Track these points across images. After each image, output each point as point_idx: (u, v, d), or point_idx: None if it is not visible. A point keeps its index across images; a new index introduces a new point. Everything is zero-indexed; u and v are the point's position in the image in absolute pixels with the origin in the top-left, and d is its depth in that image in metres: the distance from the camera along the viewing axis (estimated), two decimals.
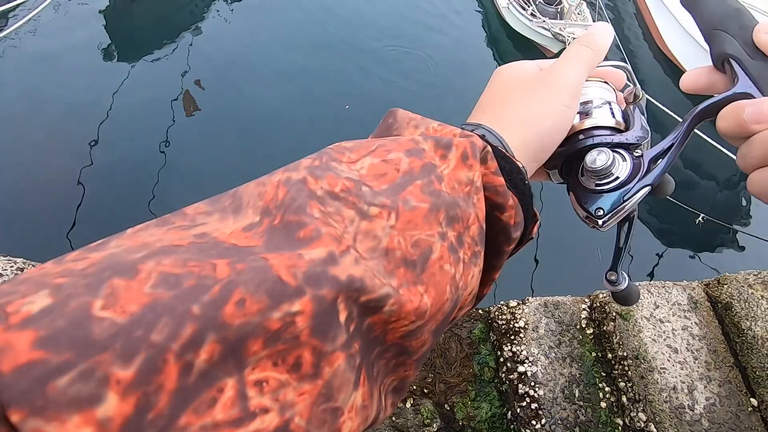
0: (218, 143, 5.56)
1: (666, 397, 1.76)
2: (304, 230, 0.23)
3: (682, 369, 1.84)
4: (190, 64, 6.52)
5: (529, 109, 0.37)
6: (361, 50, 7.38)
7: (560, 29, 7.12)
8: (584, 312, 2.18)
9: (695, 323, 2.00)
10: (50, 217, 4.53)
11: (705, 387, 1.80)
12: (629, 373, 1.88)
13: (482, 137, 0.33)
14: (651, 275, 5.00)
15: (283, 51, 7.01)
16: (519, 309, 2.16)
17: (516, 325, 2.09)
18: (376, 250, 0.25)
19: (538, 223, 0.38)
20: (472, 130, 0.35)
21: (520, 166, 0.34)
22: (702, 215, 5.26)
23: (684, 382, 1.79)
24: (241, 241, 0.23)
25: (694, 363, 1.87)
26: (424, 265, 0.27)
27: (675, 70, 8.31)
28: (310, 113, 6.07)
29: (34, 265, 1.88)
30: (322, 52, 7.09)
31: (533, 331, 2.07)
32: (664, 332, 1.95)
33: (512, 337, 2.06)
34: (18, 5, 5.21)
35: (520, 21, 7.59)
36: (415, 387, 1.97)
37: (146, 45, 6.71)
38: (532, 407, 1.90)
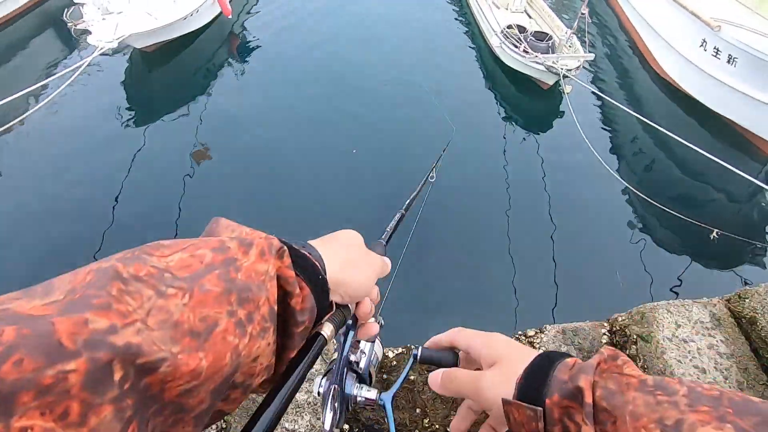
0: (234, 192, 5.70)
1: None
2: (97, 300, 0.28)
3: None
4: (206, 121, 6.83)
5: (352, 258, 0.50)
6: (365, 96, 7.65)
7: (553, 62, 7.34)
8: (605, 337, 2.12)
9: (721, 341, 1.94)
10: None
11: None
12: None
13: (302, 247, 0.44)
14: (669, 294, 4.89)
15: (292, 104, 7.30)
16: (537, 338, 2.12)
17: None
18: (166, 323, 0.31)
19: (333, 311, 0.47)
20: (302, 246, 0.45)
21: (319, 266, 0.44)
22: (716, 230, 5.19)
23: None
24: (38, 311, 0.27)
25: (725, 383, 1.80)
26: (208, 336, 0.33)
27: (670, 88, 8.46)
28: (320, 160, 6.25)
29: None
30: (328, 102, 7.37)
31: None
32: (689, 352, 1.89)
33: None
34: (44, 84, 5.62)
35: (513, 58, 7.86)
36: (437, 426, 1.90)
37: (164, 108, 7.09)
38: None
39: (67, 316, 0.27)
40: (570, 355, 0.48)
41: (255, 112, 7.14)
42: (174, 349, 0.31)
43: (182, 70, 8.11)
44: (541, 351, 0.50)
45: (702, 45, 7.56)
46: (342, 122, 6.87)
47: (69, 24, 6.89)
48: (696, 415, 0.36)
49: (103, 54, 6.55)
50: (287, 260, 0.40)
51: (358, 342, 0.59)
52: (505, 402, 0.47)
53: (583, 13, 7.58)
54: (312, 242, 0.48)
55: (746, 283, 4.90)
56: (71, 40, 8.36)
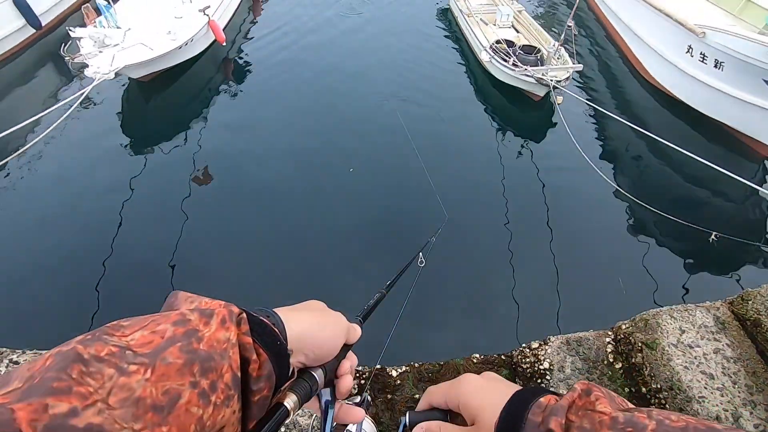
0: (233, 216, 5.71)
1: None
2: (57, 384, 0.29)
3: (722, 396, 1.74)
4: (204, 148, 6.89)
5: (315, 317, 0.53)
6: (358, 115, 7.76)
7: (543, 74, 7.46)
8: (609, 346, 2.10)
9: (726, 345, 1.92)
10: (74, 298, 4.60)
11: (751, 413, 1.70)
12: (667, 406, 1.78)
13: (267, 316, 0.46)
14: (671, 299, 4.86)
15: (288, 127, 7.36)
16: (542, 350, 2.10)
17: (541, 367, 2.01)
18: (128, 400, 0.32)
19: (293, 379, 0.48)
20: (261, 312, 0.46)
21: (278, 332, 0.45)
22: (714, 233, 5.19)
23: (727, 410, 1.69)
24: None
25: (734, 388, 1.78)
26: (171, 408, 0.34)
27: (661, 95, 8.58)
28: (319, 179, 6.29)
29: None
30: (325, 122, 7.43)
31: (559, 371, 1.99)
32: (695, 358, 1.87)
33: (539, 381, 1.98)
34: (43, 116, 5.70)
35: (503, 72, 7.98)
36: None
37: (162, 136, 7.13)
38: None
39: (26, 402, 0.28)
40: (546, 392, 0.48)
41: (249, 140, 7.20)
42: (136, 425, 0.31)
43: (179, 98, 8.22)
44: (516, 389, 0.51)
45: (688, 51, 7.70)
46: (335, 154, 6.87)
47: (66, 58, 7.01)
48: None
49: (100, 85, 6.64)
50: (245, 327, 0.41)
51: (345, 426, 0.58)
52: None
53: (569, 26, 7.74)
54: (276, 309, 0.49)
55: (748, 285, 4.88)
56: (69, 74, 8.50)
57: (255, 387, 0.41)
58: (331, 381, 0.55)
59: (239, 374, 0.39)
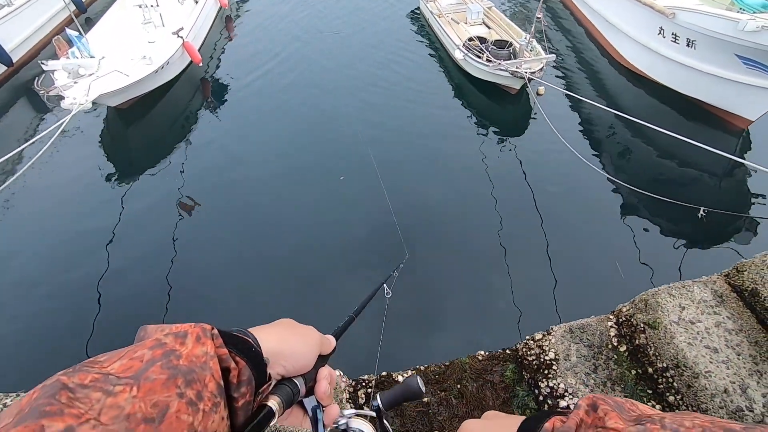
0: (223, 235, 5.66)
1: (720, 402, 1.65)
2: (49, 407, 0.31)
3: (728, 368, 1.75)
4: (188, 169, 6.83)
5: (287, 331, 0.55)
6: (346, 123, 7.75)
7: (517, 67, 7.53)
8: (612, 330, 2.10)
9: (727, 317, 1.93)
10: (68, 330, 4.50)
11: (758, 382, 1.70)
12: (675, 384, 1.78)
13: (238, 331, 0.48)
14: (668, 277, 4.90)
15: (274, 141, 7.35)
16: (545, 340, 2.09)
17: (546, 358, 2.01)
18: (119, 417, 0.33)
19: (271, 383, 0.50)
20: (238, 331, 0.49)
21: (250, 341, 0.48)
22: (703, 208, 5.26)
23: (734, 382, 1.70)
24: None
25: (739, 359, 1.78)
26: (162, 418, 0.35)
27: (638, 77, 8.71)
28: (309, 192, 6.26)
29: None
30: (310, 135, 7.43)
31: (565, 360, 1.98)
32: (698, 333, 1.87)
33: (546, 372, 1.97)
34: (22, 150, 5.61)
35: (478, 68, 8.06)
36: None
37: (145, 162, 7.06)
38: None
39: (22, 426, 0.29)
40: (551, 415, 0.48)
41: (233, 156, 7.16)
42: None
43: (159, 123, 8.15)
44: (520, 420, 0.51)
45: (660, 32, 7.83)
46: (316, 165, 6.86)
47: (41, 92, 6.92)
48: None
49: (77, 115, 6.55)
50: (218, 340, 0.44)
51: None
52: None
53: (538, 17, 7.84)
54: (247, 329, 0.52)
55: (741, 257, 4.94)
56: (45, 107, 8.39)
57: (237, 393, 0.44)
58: (312, 389, 0.57)
59: (222, 383, 0.42)
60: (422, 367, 2.13)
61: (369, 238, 5.52)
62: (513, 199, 6.11)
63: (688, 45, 7.37)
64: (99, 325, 4.67)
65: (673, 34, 7.57)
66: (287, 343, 0.53)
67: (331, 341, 0.62)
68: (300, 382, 0.54)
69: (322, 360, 0.59)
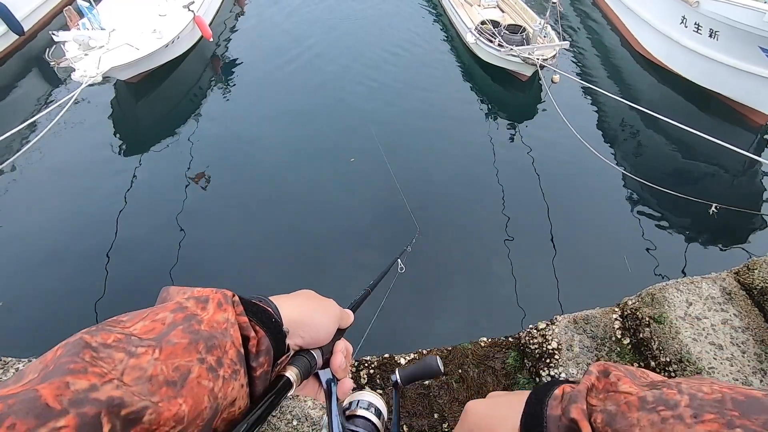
0: (234, 210, 5.69)
1: None
2: (73, 365, 0.31)
3: (731, 366, 1.74)
4: (197, 145, 6.82)
5: (308, 302, 0.55)
6: (356, 104, 7.68)
7: (529, 54, 7.35)
8: (617, 322, 2.10)
9: (734, 315, 1.92)
10: (80, 296, 4.60)
11: (761, 381, 1.70)
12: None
13: (259, 300, 0.48)
14: (676, 273, 4.86)
15: (284, 119, 7.30)
16: (549, 330, 2.09)
17: (549, 347, 2.01)
18: (141, 378, 0.34)
19: (290, 354, 0.49)
20: (259, 299, 0.49)
21: (271, 310, 0.48)
22: (714, 205, 5.18)
23: (737, 380, 1.69)
24: (17, 390, 0.30)
25: (743, 357, 1.77)
26: (184, 382, 0.36)
27: (655, 67, 8.51)
28: (319, 170, 6.26)
29: None
30: (321, 114, 7.37)
31: (568, 350, 1.99)
32: (703, 330, 1.86)
33: (548, 361, 1.97)
34: (33, 122, 5.63)
35: (489, 53, 7.89)
36: None
37: (154, 137, 7.05)
38: None
39: (48, 382, 0.29)
40: (558, 382, 0.47)
41: (242, 133, 7.14)
42: (153, 399, 0.33)
43: (168, 98, 8.12)
44: (527, 394, 0.49)
45: (682, 22, 7.60)
46: (338, 137, 6.86)
47: (52, 63, 6.90)
48: (703, 426, 0.35)
49: (88, 89, 6.54)
50: (239, 308, 0.44)
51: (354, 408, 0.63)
52: None
53: (554, 2, 7.63)
54: (269, 297, 0.52)
55: (752, 255, 4.88)
56: (56, 79, 8.38)
57: (255, 363, 0.43)
58: (329, 362, 0.57)
59: (242, 350, 0.42)
60: (424, 351, 2.15)
61: (380, 217, 5.54)
62: (519, 187, 6.06)
63: (710, 35, 7.16)
64: (108, 294, 4.75)
65: (695, 23, 7.35)
66: (308, 315, 0.53)
67: (349, 315, 0.62)
68: (317, 354, 0.54)
69: (339, 333, 0.59)
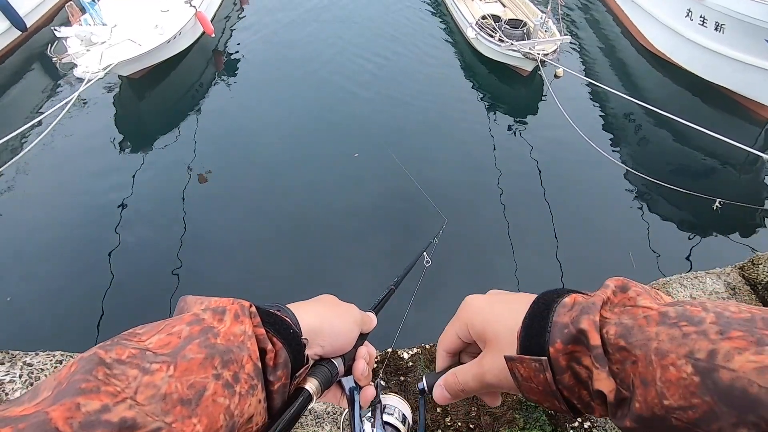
0: (234, 211, 5.68)
1: None
2: (86, 384, 0.30)
3: None
4: (200, 140, 6.83)
5: (328, 309, 0.53)
6: (358, 100, 7.66)
7: (530, 48, 7.31)
8: None
9: None
10: (83, 303, 4.63)
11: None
12: None
13: (277, 309, 0.47)
14: (680, 268, 4.84)
15: (287, 114, 7.29)
16: None
17: None
18: (155, 396, 0.33)
19: (309, 365, 0.48)
20: (271, 306, 0.47)
21: (289, 321, 0.46)
22: (718, 200, 5.15)
23: None
24: (29, 411, 0.29)
25: None
26: (199, 401, 0.35)
27: (659, 61, 8.44)
28: (323, 164, 6.25)
29: (72, 356, 1.89)
30: (323, 109, 7.36)
31: None
32: None
33: None
34: (37, 120, 5.64)
35: (490, 48, 7.84)
36: (460, 424, 1.88)
37: (157, 132, 7.05)
38: (585, 426, 1.79)
39: (59, 404, 0.29)
40: (569, 291, 0.43)
41: (246, 127, 7.14)
42: (167, 419, 0.32)
43: (171, 93, 8.12)
44: (533, 297, 0.46)
45: (688, 15, 7.53)
46: (341, 132, 6.84)
47: (54, 59, 6.90)
48: (730, 343, 0.31)
49: (90, 85, 6.54)
50: (256, 319, 0.43)
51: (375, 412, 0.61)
52: (508, 359, 0.43)
53: None
54: (288, 305, 0.50)
55: (756, 250, 4.85)
56: (58, 75, 8.39)
57: (272, 377, 0.42)
58: (351, 369, 0.55)
59: (260, 364, 0.40)
60: (427, 346, 2.15)
61: (397, 210, 5.54)
62: (523, 186, 6.03)
63: (716, 29, 7.10)
64: (113, 289, 4.77)
65: (701, 17, 7.28)
66: (327, 323, 0.51)
67: (372, 319, 0.60)
68: (339, 363, 0.53)
69: (361, 338, 0.57)
